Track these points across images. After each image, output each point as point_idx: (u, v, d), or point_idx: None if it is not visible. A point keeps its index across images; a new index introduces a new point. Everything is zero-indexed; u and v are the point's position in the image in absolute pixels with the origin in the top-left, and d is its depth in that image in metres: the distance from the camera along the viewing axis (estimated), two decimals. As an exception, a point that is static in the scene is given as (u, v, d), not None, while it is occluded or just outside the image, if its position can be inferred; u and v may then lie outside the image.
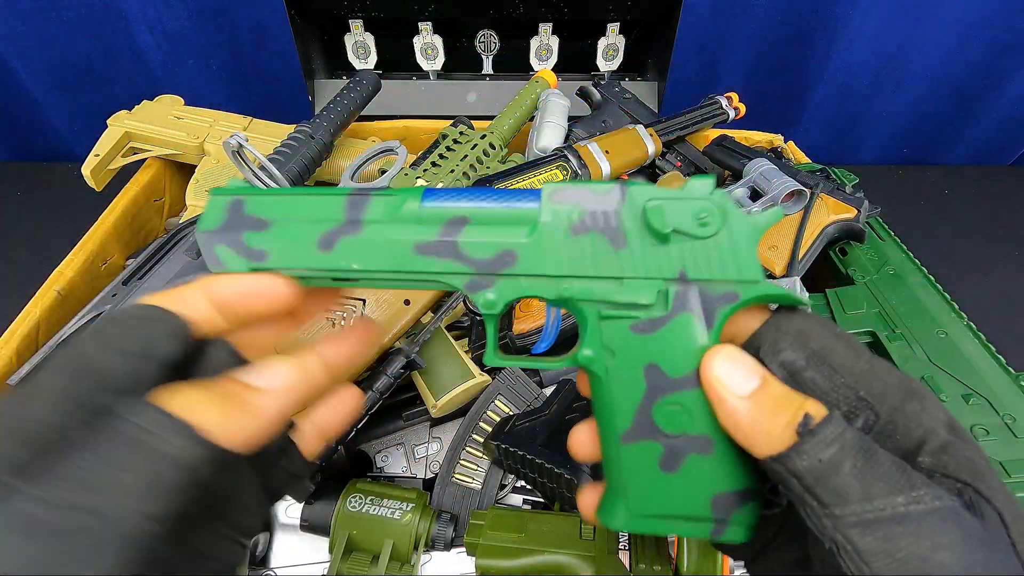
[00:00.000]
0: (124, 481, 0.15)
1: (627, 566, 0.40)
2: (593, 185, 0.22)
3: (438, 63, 0.85)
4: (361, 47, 0.84)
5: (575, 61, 0.87)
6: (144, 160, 0.72)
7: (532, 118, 0.72)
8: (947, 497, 0.16)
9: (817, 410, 0.18)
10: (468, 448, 0.49)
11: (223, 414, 0.17)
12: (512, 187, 0.57)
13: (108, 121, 0.70)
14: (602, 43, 0.85)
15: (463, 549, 0.43)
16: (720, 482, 0.21)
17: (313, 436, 0.24)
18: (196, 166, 0.69)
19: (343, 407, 0.25)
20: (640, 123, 0.69)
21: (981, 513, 0.16)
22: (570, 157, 0.61)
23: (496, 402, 0.51)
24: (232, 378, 0.19)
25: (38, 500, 0.14)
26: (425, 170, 0.63)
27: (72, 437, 0.15)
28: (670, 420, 0.21)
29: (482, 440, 0.48)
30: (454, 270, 0.21)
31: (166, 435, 0.16)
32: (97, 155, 0.66)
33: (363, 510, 0.44)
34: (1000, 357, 0.50)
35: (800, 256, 0.58)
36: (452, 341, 0.51)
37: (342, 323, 0.43)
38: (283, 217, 0.22)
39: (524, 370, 0.56)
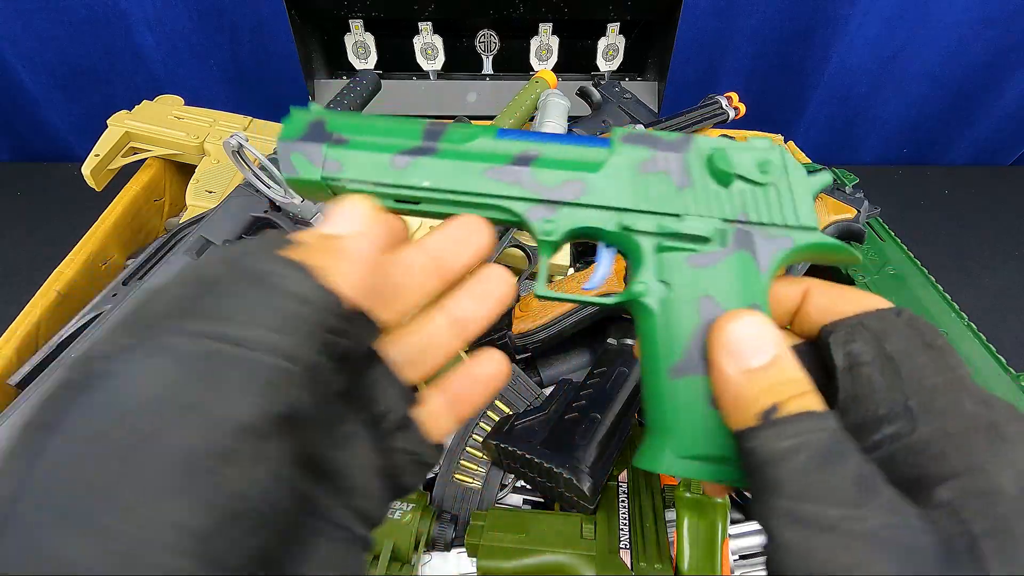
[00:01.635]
0: (257, 315, 0.15)
1: (628, 565, 0.40)
2: (663, 133, 0.24)
3: (438, 63, 0.85)
4: (361, 47, 0.84)
5: (575, 61, 0.87)
6: (144, 160, 0.72)
7: (532, 118, 0.72)
8: (913, 525, 0.15)
9: (804, 404, 0.17)
10: (468, 448, 0.49)
11: (324, 260, 0.17)
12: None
13: (108, 121, 0.70)
14: (602, 43, 0.85)
15: (463, 549, 0.43)
16: None
17: (443, 412, 0.21)
18: (196, 166, 0.69)
19: (485, 376, 0.22)
20: (640, 123, 0.69)
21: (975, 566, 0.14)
22: (570, 157, 0.61)
23: (496, 402, 0.51)
24: (315, 233, 0.19)
25: (182, 332, 0.15)
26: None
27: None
28: None
29: (482, 440, 0.48)
30: (520, 195, 0.22)
31: (287, 272, 0.16)
32: (97, 155, 0.66)
33: (363, 510, 0.44)
34: (1000, 357, 0.50)
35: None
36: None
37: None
38: (361, 137, 0.23)
39: (524, 370, 0.56)
